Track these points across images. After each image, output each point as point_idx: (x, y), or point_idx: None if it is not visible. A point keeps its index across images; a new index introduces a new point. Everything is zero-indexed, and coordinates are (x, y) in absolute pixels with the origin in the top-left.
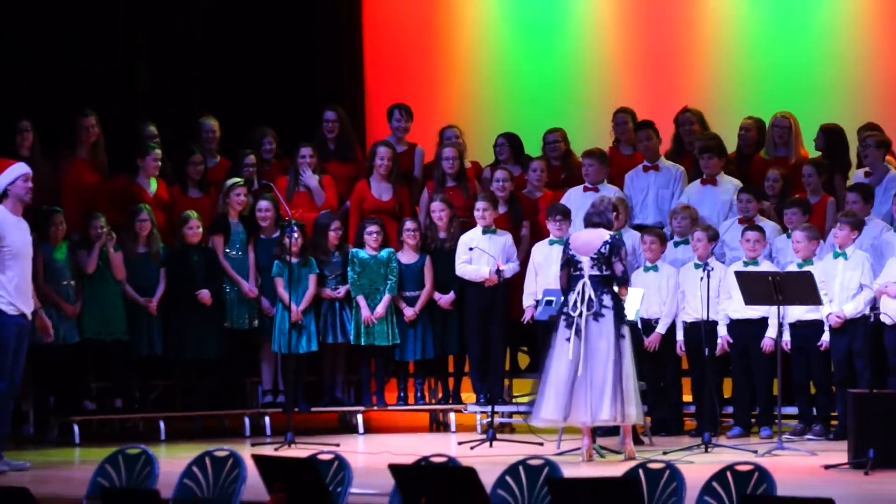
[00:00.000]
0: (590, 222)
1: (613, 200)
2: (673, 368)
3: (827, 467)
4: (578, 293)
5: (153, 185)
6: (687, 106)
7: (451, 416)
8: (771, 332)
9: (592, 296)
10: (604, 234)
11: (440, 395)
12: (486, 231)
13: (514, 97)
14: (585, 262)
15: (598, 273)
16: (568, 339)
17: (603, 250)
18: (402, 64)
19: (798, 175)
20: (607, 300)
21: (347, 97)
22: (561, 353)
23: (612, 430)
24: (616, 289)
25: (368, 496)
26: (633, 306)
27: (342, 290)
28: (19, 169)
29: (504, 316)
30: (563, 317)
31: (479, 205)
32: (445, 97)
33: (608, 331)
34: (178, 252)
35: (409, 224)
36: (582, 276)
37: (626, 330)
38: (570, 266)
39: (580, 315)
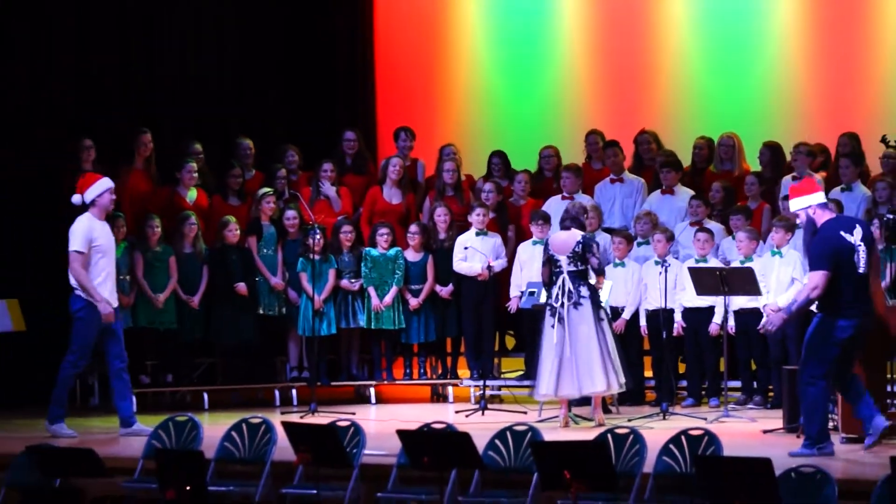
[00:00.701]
0: (564, 225)
1: (585, 206)
2: (636, 349)
3: (765, 432)
4: (559, 287)
5: (192, 194)
6: (644, 128)
7: (450, 389)
8: (718, 318)
9: (571, 288)
10: (577, 235)
11: (440, 371)
12: (479, 233)
13: (502, 121)
14: (563, 260)
15: (574, 269)
16: (553, 327)
17: (577, 249)
18: (408, 94)
19: (741, 185)
20: (584, 291)
21: (361, 121)
22: (548, 339)
23: (585, 401)
24: (595, 279)
25: (379, 456)
26: (604, 296)
27: (356, 282)
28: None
29: (494, 305)
30: (548, 308)
31: (475, 211)
32: (443, 121)
33: (587, 316)
34: (219, 251)
35: (413, 228)
36: (561, 272)
37: (603, 314)
38: (550, 263)
39: (562, 305)
